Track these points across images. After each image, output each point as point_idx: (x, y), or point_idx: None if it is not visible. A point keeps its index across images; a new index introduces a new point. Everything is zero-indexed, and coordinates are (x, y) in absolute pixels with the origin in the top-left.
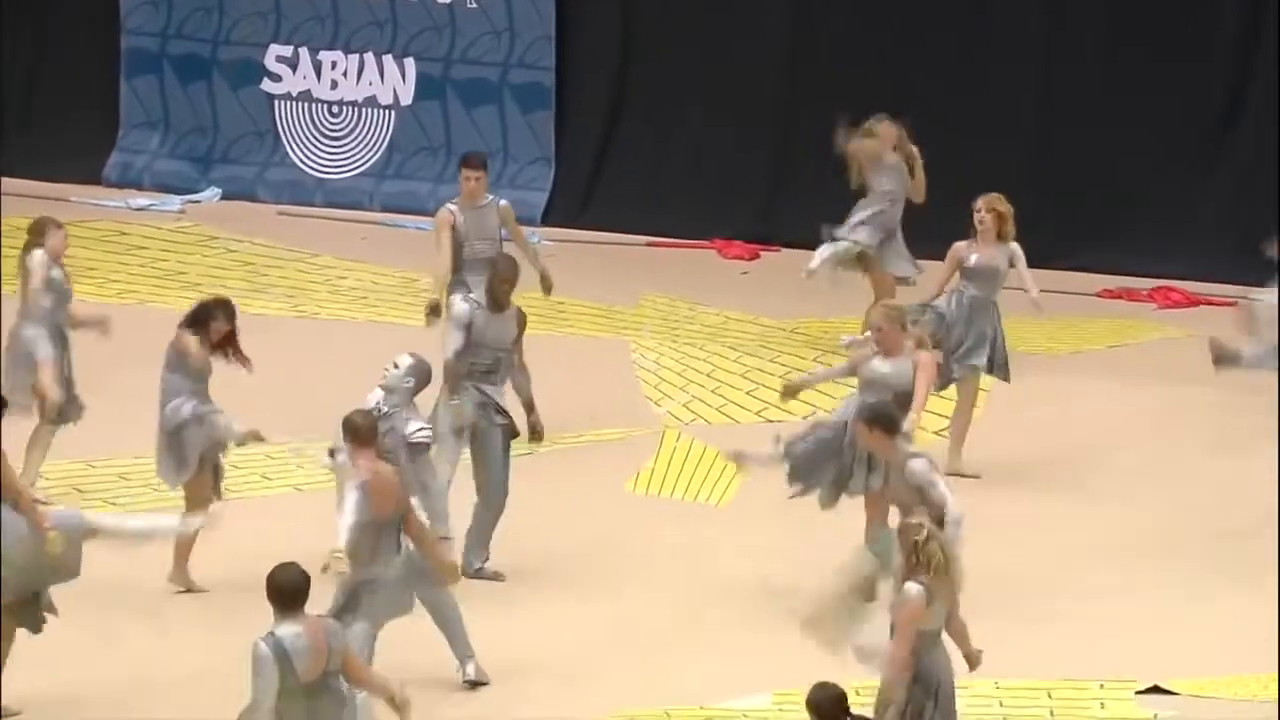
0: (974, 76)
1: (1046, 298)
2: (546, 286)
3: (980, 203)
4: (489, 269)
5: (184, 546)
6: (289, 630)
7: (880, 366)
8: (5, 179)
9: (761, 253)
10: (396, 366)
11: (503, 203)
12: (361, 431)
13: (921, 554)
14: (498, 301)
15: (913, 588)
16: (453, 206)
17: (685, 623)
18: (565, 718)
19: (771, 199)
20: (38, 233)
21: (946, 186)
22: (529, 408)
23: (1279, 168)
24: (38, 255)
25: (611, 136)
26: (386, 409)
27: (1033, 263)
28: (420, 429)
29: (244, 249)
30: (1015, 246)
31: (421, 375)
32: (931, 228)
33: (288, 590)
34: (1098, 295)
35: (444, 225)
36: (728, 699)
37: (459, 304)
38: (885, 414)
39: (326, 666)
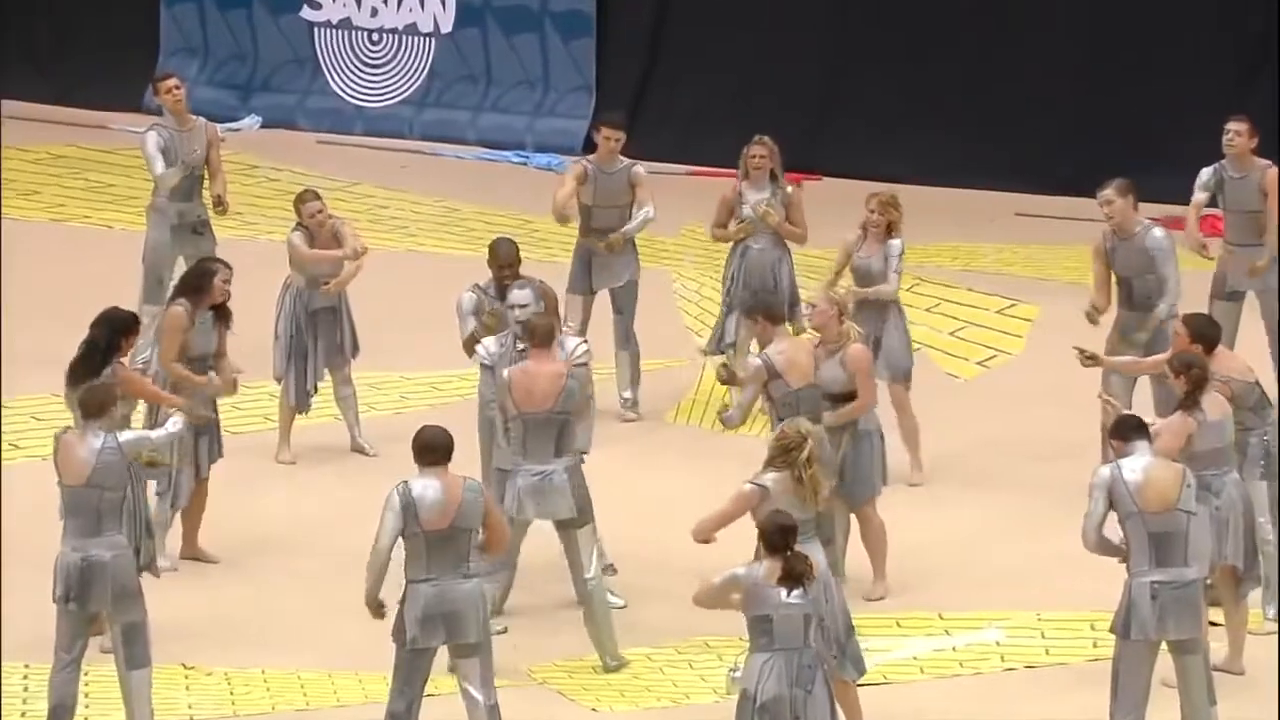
0: (1018, 7)
1: (1080, 225)
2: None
3: (874, 202)
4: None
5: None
6: (421, 481)
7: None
8: (46, 106)
9: (803, 181)
10: (524, 305)
11: (636, 167)
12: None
13: (790, 459)
14: (502, 290)
15: (749, 487)
16: (589, 162)
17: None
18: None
19: (814, 127)
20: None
21: (984, 109)
22: None
23: None
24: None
25: (653, 64)
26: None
27: (1068, 190)
28: (580, 344)
29: (284, 178)
30: (895, 244)
31: (540, 295)
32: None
33: (429, 445)
34: None
35: (574, 175)
36: None
37: (465, 294)
38: (768, 304)
39: (454, 521)
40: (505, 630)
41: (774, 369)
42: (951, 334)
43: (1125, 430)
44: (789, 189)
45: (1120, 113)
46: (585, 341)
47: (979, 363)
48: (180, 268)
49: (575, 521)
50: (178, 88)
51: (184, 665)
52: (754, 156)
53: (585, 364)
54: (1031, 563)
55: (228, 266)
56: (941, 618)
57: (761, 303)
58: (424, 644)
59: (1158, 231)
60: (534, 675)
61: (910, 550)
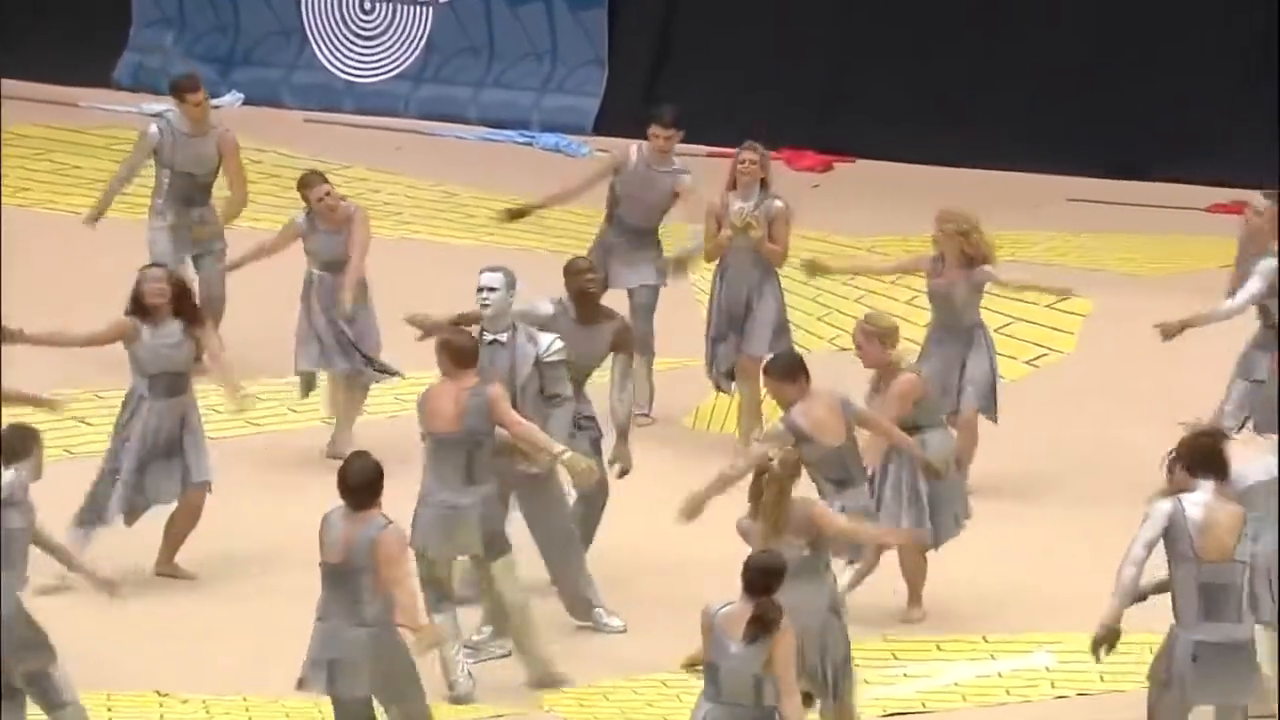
0: (1024, 3)
1: (1147, 212)
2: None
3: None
4: (629, 239)
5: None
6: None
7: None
8: (10, 81)
9: (835, 164)
10: (492, 289)
11: (685, 176)
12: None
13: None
14: (585, 310)
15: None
16: (635, 150)
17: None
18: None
19: (844, 105)
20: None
21: (990, 105)
22: (621, 436)
23: None
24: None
25: (670, 35)
26: (499, 337)
27: (1131, 173)
28: (553, 340)
29: (268, 159)
30: (987, 271)
31: (513, 282)
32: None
33: (350, 489)
34: (1207, 210)
35: (607, 164)
36: None
37: (544, 302)
38: (788, 361)
39: (346, 558)
40: (509, 653)
41: (802, 432)
42: (998, 330)
43: (1195, 464)
44: (776, 202)
45: (1126, 109)
46: (558, 337)
47: (1027, 361)
48: (189, 267)
49: (488, 555)
50: (200, 105)
51: (158, 692)
52: (743, 161)
53: (562, 361)
54: (1083, 579)
55: (160, 266)
56: (986, 641)
57: (782, 362)
58: (309, 689)
59: (1267, 262)
60: (541, 703)
61: (951, 568)
